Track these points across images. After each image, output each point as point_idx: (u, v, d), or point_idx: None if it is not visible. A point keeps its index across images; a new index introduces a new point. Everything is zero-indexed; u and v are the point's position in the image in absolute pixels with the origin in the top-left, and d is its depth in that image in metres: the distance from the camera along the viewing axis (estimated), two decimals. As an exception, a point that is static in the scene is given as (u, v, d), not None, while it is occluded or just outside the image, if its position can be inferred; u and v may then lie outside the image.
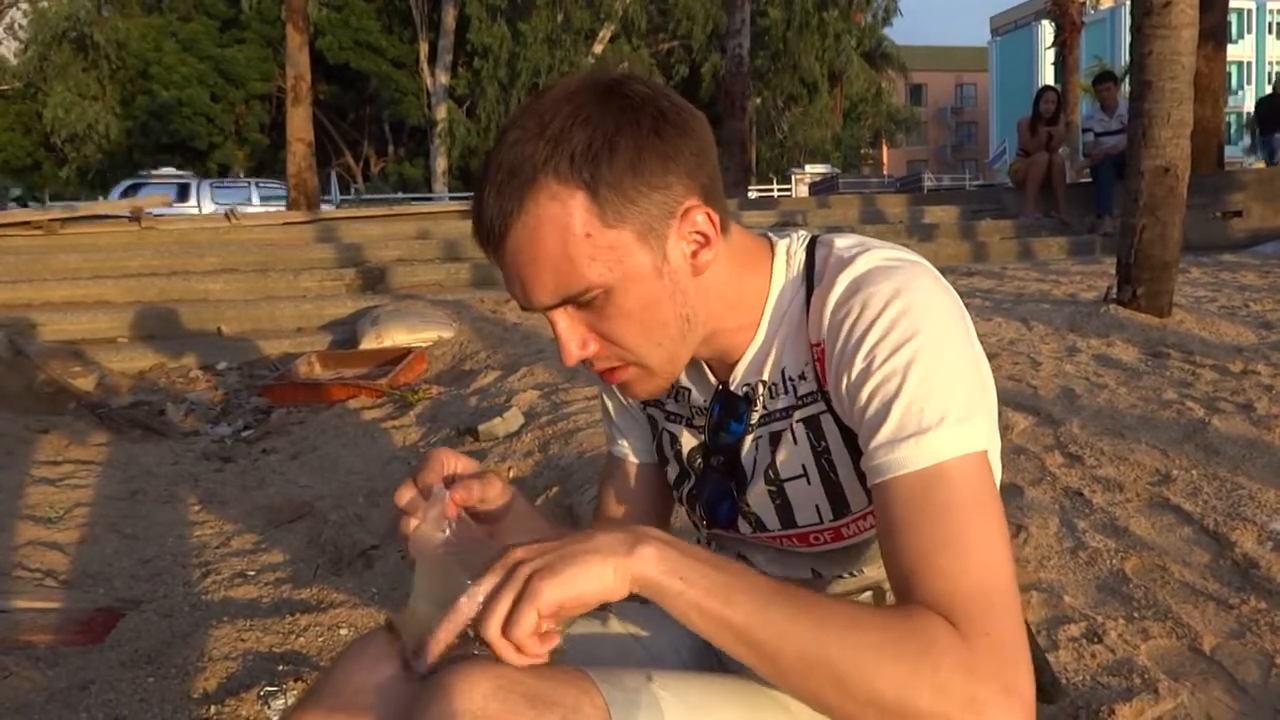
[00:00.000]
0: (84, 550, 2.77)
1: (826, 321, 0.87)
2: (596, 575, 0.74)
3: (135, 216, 8.42)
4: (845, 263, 0.88)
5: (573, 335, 0.87)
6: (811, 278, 0.92)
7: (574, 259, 0.82)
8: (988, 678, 0.72)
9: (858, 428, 0.85)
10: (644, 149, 0.82)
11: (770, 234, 0.98)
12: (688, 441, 1.03)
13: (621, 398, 1.11)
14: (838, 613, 0.75)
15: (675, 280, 0.86)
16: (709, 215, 0.86)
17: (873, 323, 0.83)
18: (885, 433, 0.81)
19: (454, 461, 0.95)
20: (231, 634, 2.11)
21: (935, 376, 0.81)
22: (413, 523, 0.89)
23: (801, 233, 0.98)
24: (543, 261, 0.82)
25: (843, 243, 0.92)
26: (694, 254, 0.87)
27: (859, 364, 0.83)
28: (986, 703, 0.71)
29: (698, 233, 0.86)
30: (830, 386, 0.88)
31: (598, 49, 24.72)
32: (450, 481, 0.93)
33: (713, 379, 0.99)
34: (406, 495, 0.91)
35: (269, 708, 1.79)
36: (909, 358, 0.81)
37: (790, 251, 0.95)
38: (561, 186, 0.81)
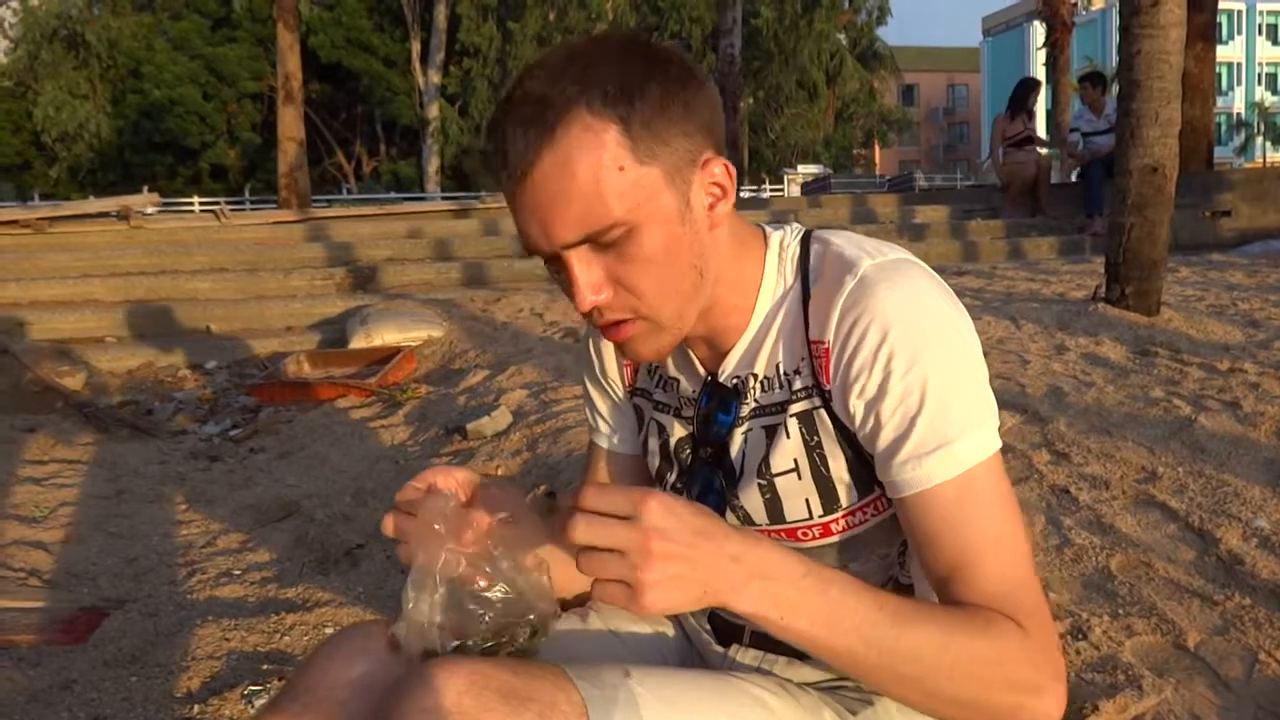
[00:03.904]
0: (69, 550, 2.76)
1: (833, 324, 0.87)
2: (696, 600, 0.74)
3: (124, 215, 8.38)
4: (847, 264, 0.88)
5: (589, 278, 0.84)
6: (808, 274, 0.91)
7: (603, 192, 0.80)
8: (1044, 665, 0.80)
9: (873, 440, 0.86)
10: (672, 95, 0.83)
11: (763, 225, 0.97)
12: (677, 432, 1.02)
13: (609, 386, 1.09)
14: (931, 633, 0.79)
15: (694, 228, 0.86)
16: (726, 168, 0.87)
17: (885, 334, 0.83)
18: (910, 447, 0.83)
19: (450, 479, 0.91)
20: (216, 633, 2.10)
21: (953, 386, 0.83)
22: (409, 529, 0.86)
23: (795, 226, 0.97)
24: (572, 193, 0.80)
25: (840, 241, 0.92)
26: (712, 206, 0.87)
27: (876, 377, 0.84)
28: (1045, 689, 0.79)
29: (716, 184, 0.87)
30: (834, 389, 0.88)
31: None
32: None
33: (701, 370, 0.98)
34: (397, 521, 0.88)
35: (252, 707, 1.78)
36: (926, 370, 0.82)
37: (784, 244, 0.94)
38: (595, 119, 0.80)
